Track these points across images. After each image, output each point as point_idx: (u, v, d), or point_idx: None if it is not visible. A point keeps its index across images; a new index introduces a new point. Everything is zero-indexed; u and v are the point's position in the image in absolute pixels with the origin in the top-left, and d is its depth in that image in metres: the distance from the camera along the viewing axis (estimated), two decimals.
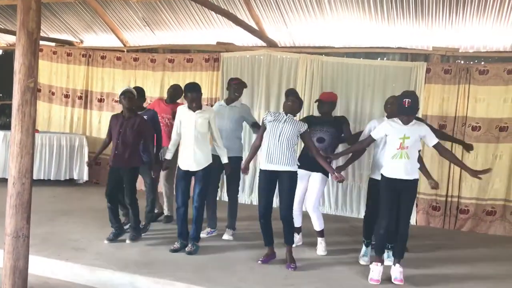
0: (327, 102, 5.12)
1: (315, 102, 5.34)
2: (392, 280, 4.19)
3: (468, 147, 5.67)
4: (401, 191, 4.20)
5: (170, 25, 8.13)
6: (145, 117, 5.21)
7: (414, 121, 4.22)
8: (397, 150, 4.15)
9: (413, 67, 6.81)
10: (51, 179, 7.88)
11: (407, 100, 4.08)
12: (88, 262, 4.28)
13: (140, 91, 5.54)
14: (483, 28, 6.51)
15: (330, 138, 5.00)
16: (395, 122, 4.25)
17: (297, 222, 5.06)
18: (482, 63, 6.71)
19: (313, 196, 4.98)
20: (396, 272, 4.21)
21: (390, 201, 4.22)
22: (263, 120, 4.67)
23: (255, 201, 7.41)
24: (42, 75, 8.88)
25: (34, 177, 7.35)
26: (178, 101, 6.08)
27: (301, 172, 4.75)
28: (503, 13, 6.18)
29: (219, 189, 5.84)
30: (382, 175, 4.32)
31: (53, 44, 9.19)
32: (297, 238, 5.17)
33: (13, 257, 3.22)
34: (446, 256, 5.27)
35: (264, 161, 4.54)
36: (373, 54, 7.18)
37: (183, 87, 5.04)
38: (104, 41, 8.97)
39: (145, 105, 5.89)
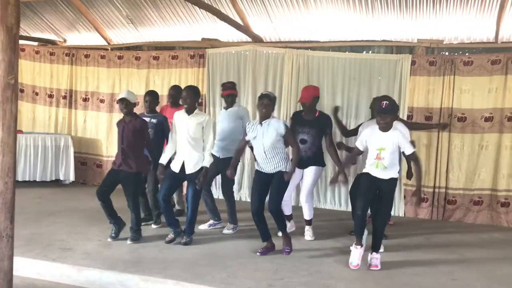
0: (305, 103, 5.13)
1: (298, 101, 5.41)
2: (368, 266, 4.35)
3: (443, 127, 6.10)
4: (380, 185, 4.36)
5: (154, 22, 8.05)
6: (154, 120, 5.48)
7: (392, 128, 4.31)
8: (374, 160, 4.33)
9: (398, 60, 6.83)
10: (37, 180, 7.78)
11: (384, 102, 4.26)
12: (76, 262, 4.22)
13: (154, 94, 5.68)
14: (466, 19, 6.54)
15: (312, 139, 5.10)
16: (374, 130, 4.37)
17: (287, 210, 5.23)
18: (467, 54, 6.75)
19: (306, 187, 5.17)
20: (373, 258, 4.36)
21: (367, 185, 4.38)
22: (243, 136, 4.77)
23: (244, 197, 7.42)
24: (25, 76, 8.78)
25: (19, 179, 7.46)
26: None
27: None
28: (486, 4, 6.21)
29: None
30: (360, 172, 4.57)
31: (35, 43, 9.06)
32: (289, 225, 5.28)
33: None
34: (431, 244, 5.34)
35: (258, 163, 4.66)
36: (358, 48, 7.18)
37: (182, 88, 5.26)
38: (88, 39, 8.86)
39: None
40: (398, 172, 4.60)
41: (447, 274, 4.27)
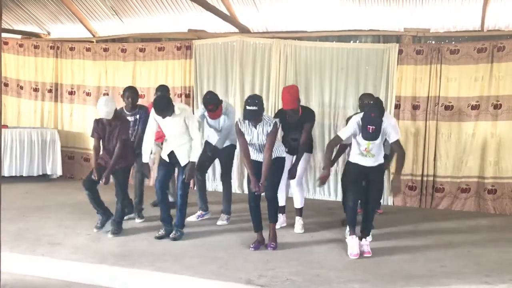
0: (293, 109, 4.94)
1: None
2: (363, 254, 4.41)
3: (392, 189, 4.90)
4: (368, 172, 4.47)
5: (139, 13, 7.93)
6: (137, 116, 5.41)
7: None
8: (363, 151, 4.42)
9: (386, 49, 6.83)
10: (24, 175, 7.68)
11: (371, 127, 4.23)
12: (65, 256, 4.20)
13: (135, 91, 5.57)
14: (452, 8, 6.56)
15: (298, 140, 5.07)
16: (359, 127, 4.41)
17: (282, 200, 5.22)
18: (453, 42, 6.77)
19: (297, 173, 5.16)
20: (364, 245, 4.46)
21: (356, 175, 4.50)
22: (239, 129, 4.53)
23: (233, 189, 7.38)
24: (9, 69, 8.65)
25: (6, 174, 7.36)
26: None
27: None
28: None
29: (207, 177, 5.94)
30: (349, 161, 4.61)
31: (19, 36, 8.91)
32: (281, 219, 5.30)
33: None
34: (419, 232, 5.38)
35: (251, 153, 4.63)
36: (345, 37, 7.16)
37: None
38: (72, 32, 8.71)
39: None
40: (386, 159, 4.72)
41: (436, 261, 4.31)
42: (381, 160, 4.50)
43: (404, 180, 6.84)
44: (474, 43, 6.58)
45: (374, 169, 4.47)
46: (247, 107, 4.34)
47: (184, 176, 4.77)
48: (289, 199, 5.45)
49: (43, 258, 4.17)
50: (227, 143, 5.46)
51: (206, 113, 5.43)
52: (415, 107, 6.78)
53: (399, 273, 3.99)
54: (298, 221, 5.27)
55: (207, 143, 5.52)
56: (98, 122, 5.00)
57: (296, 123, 5.04)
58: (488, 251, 4.72)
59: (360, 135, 4.34)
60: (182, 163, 4.80)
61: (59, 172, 7.96)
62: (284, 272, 3.91)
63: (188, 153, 4.79)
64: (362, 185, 4.51)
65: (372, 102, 4.92)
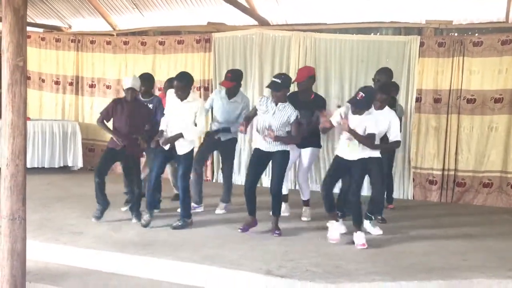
0: (299, 83, 5.14)
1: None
2: (356, 246, 4.38)
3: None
4: (350, 167, 4.49)
5: (159, 6, 7.98)
6: (150, 105, 5.42)
7: (365, 112, 4.39)
8: (345, 140, 4.45)
9: (407, 41, 6.74)
10: (45, 166, 7.81)
11: (361, 93, 4.29)
12: (87, 245, 4.25)
13: (148, 77, 5.67)
14: None
15: (308, 121, 5.07)
16: (349, 111, 4.43)
17: (284, 189, 5.21)
18: (476, 34, 6.65)
19: (303, 168, 5.28)
20: (358, 238, 4.42)
21: (335, 168, 4.63)
22: (255, 106, 4.77)
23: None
24: (31, 62, 8.73)
25: (28, 165, 7.29)
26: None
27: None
28: None
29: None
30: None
31: (41, 30, 9.04)
32: (283, 207, 5.23)
33: (10, 240, 3.17)
34: (440, 225, 5.33)
35: (258, 141, 4.68)
36: (366, 29, 7.09)
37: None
38: (93, 25, 8.82)
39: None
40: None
41: (458, 255, 4.26)
42: (365, 155, 4.44)
43: (424, 174, 6.78)
44: (498, 35, 6.45)
45: (356, 164, 4.44)
46: (273, 79, 4.65)
47: (184, 168, 4.81)
48: (295, 192, 5.45)
49: (66, 246, 4.24)
50: (229, 136, 5.50)
51: (219, 91, 5.65)
52: (436, 100, 6.69)
53: (420, 265, 3.95)
54: (306, 210, 5.38)
55: (208, 134, 5.56)
56: (117, 102, 5.13)
57: (308, 103, 5.05)
58: (511, 245, 4.64)
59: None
60: (181, 153, 4.82)
61: (80, 164, 8.07)
62: (303, 263, 3.90)
63: (188, 144, 4.83)
64: (340, 176, 4.66)
65: (380, 80, 5.20)
